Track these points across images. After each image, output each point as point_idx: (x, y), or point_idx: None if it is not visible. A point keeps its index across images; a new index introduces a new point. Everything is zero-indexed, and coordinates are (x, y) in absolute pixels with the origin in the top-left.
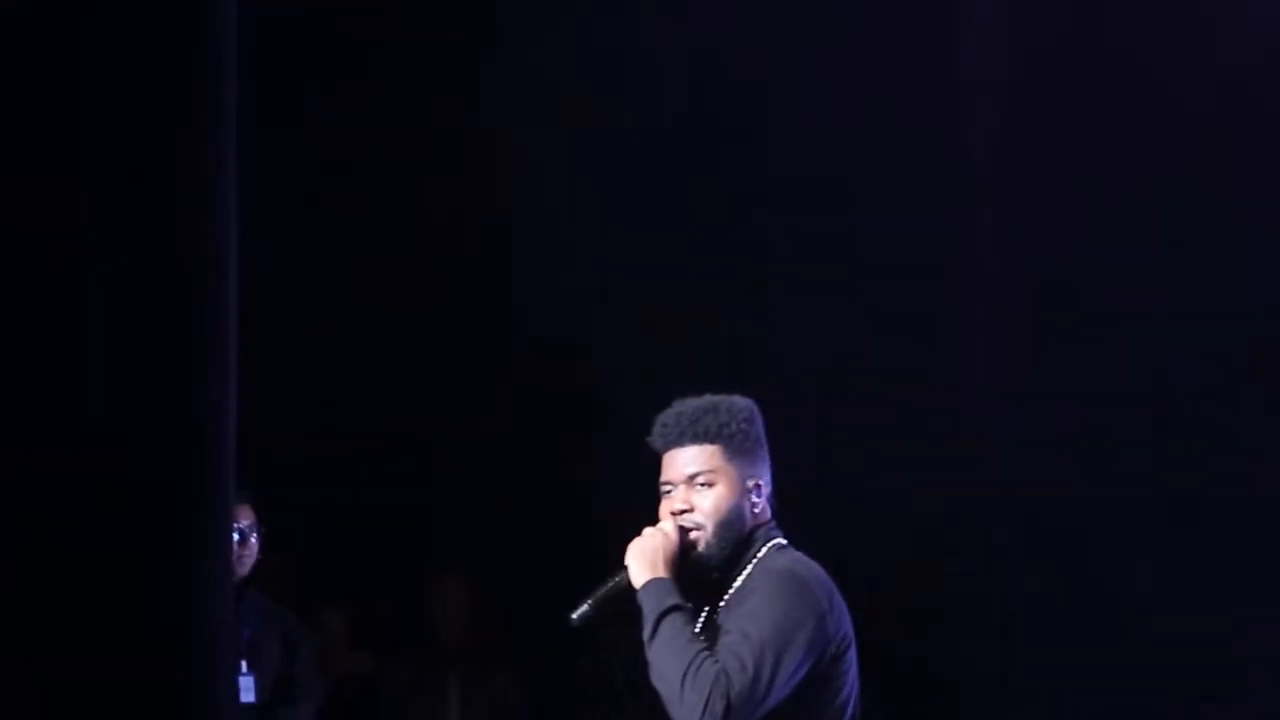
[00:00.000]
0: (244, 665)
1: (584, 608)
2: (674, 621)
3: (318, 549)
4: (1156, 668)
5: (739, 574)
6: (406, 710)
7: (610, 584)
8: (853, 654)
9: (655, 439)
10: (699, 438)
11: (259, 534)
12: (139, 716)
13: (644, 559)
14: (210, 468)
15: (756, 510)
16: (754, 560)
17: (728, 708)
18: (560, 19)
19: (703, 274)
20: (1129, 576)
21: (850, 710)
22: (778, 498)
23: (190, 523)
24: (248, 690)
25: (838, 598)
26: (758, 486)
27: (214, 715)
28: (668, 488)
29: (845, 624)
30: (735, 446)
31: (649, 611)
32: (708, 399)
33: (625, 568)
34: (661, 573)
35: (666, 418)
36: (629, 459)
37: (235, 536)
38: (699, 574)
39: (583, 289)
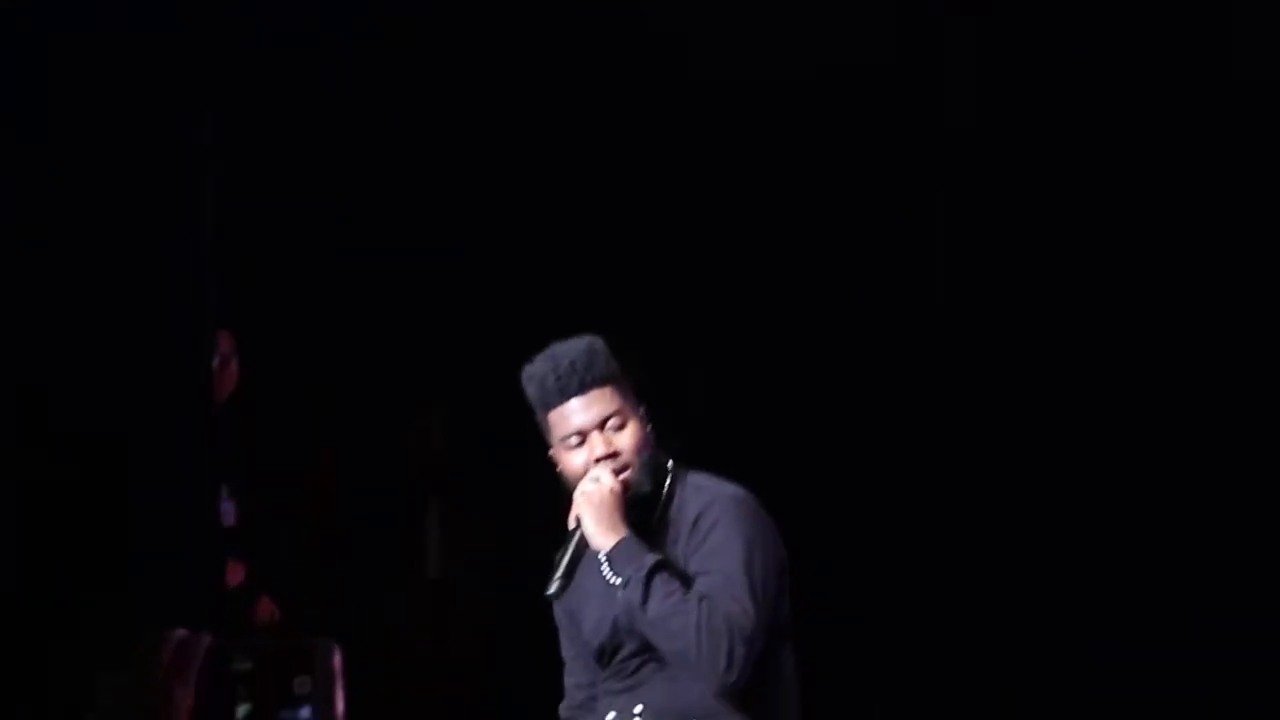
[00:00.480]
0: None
1: (556, 582)
2: (663, 579)
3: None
4: None
5: (663, 503)
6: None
7: (571, 549)
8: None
9: (548, 394)
10: (597, 382)
11: (238, 360)
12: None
13: (601, 518)
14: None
15: (653, 439)
16: (668, 485)
17: (747, 651)
18: None
19: None
20: None
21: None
22: None
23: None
24: (228, 515)
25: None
26: (648, 413)
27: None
28: (576, 439)
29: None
30: (623, 382)
31: (631, 574)
32: (577, 344)
33: (577, 527)
34: (623, 530)
35: (558, 370)
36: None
37: (216, 361)
38: (635, 515)
39: None
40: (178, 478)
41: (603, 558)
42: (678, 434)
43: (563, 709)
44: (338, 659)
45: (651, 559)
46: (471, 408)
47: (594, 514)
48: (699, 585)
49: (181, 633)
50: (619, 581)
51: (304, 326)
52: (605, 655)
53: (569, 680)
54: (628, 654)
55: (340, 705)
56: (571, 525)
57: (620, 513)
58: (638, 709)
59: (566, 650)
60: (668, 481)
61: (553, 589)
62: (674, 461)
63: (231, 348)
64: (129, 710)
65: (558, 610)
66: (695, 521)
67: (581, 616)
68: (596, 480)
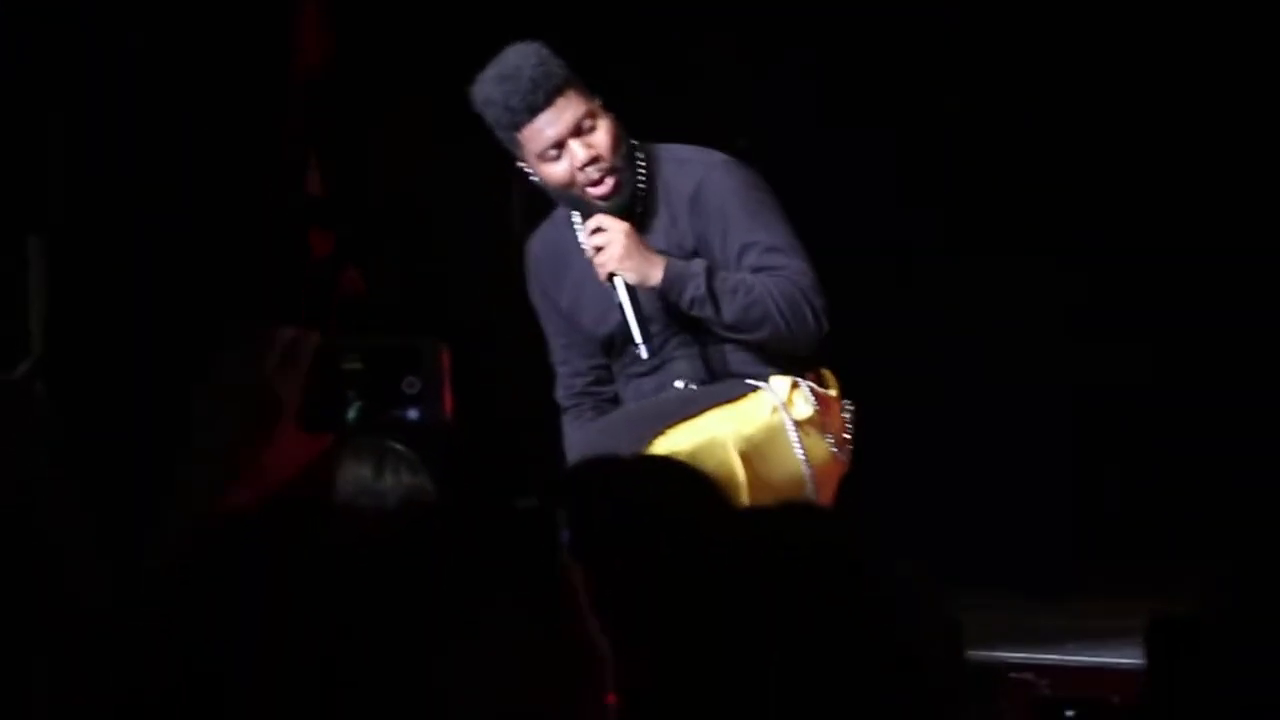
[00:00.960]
0: None
1: (642, 345)
2: (720, 281)
3: None
4: None
5: (648, 187)
6: None
7: (630, 309)
8: None
9: (517, 113)
10: (557, 91)
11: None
12: None
13: (636, 259)
14: None
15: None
16: (643, 164)
17: (823, 301)
18: None
19: None
20: None
21: None
22: None
23: None
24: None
25: None
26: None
27: None
28: (554, 151)
29: None
30: (580, 82)
31: (691, 293)
32: (525, 55)
33: (619, 286)
34: (658, 259)
35: (519, 88)
36: None
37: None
38: (621, 205)
39: None
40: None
41: (663, 289)
42: None
43: (563, 397)
44: (446, 359)
45: (695, 268)
46: None
47: (630, 263)
48: (749, 261)
49: (290, 331)
50: (686, 305)
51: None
52: (616, 343)
53: (564, 369)
54: (648, 335)
55: (448, 405)
56: (611, 284)
57: (642, 243)
58: (678, 383)
59: (557, 340)
60: (640, 160)
61: (643, 350)
62: (638, 142)
63: (322, 16)
64: (235, 406)
65: (542, 304)
66: (694, 197)
67: (578, 309)
68: (600, 231)
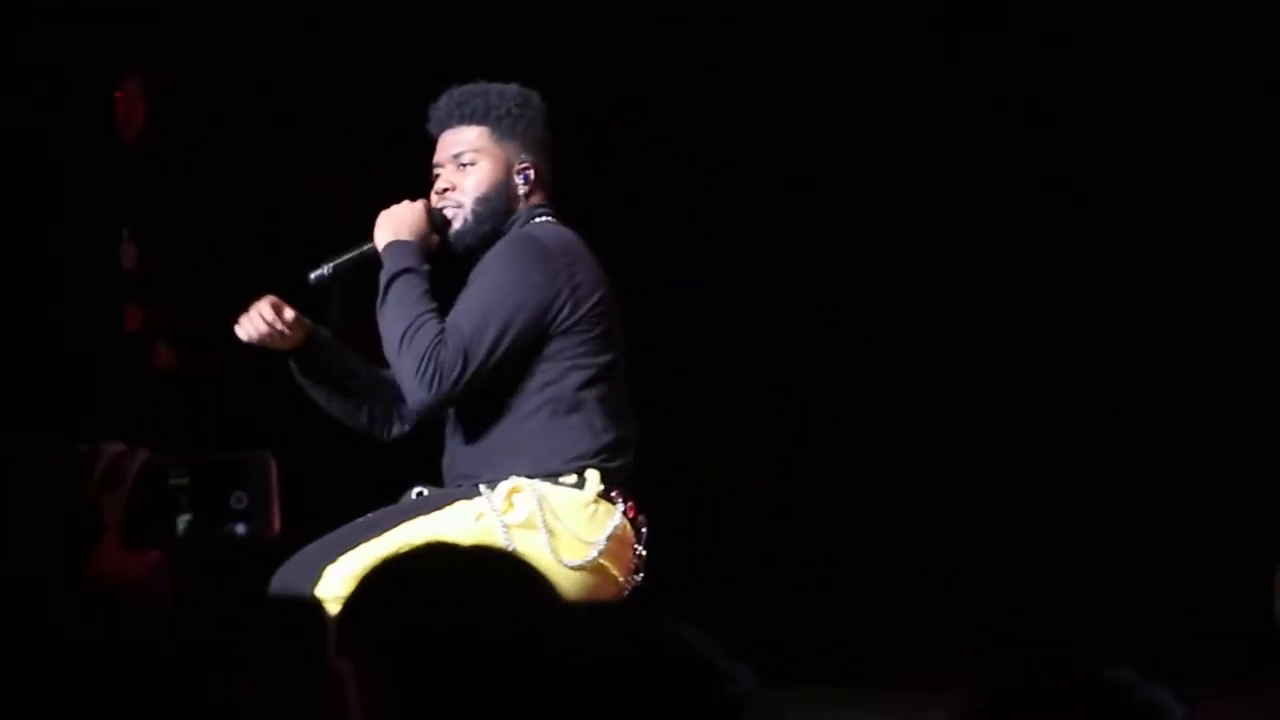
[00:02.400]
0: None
1: (323, 269)
2: (406, 282)
3: None
4: None
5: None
6: None
7: (355, 251)
8: (613, 314)
9: (431, 122)
10: (465, 119)
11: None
12: None
13: (390, 225)
14: None
15: (522, 192)
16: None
17: (439, 373)
18: None
19: None
20: None
21: (615, 368)
22: None
23: None
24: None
25: (591, 261)
26: (528, 169)
27: None
28: (436, 170)
29: (597, 284)
30: (504, 129)
31: (385, 273)
32: (481, 84)
33: (373, 239)
34: (408, 236)
35: (438, 101)
36: None
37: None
38: (456, 252)
39: None
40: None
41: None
42: None
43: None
44: (273, 472)
45: (406, 264)
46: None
47: (386, 222)
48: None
49: (115, 447)
50: (379, 284)
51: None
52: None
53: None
54: (334, 274)
55: (276, 520)
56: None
57: (412, 228)
58: (416, 492)
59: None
60: (507, 230)
61: (313, 275)
62: (539, 218)
63: (139, 90)
64: (56, 523)
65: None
66: (486, 259)
67: None
68: (410, 203)
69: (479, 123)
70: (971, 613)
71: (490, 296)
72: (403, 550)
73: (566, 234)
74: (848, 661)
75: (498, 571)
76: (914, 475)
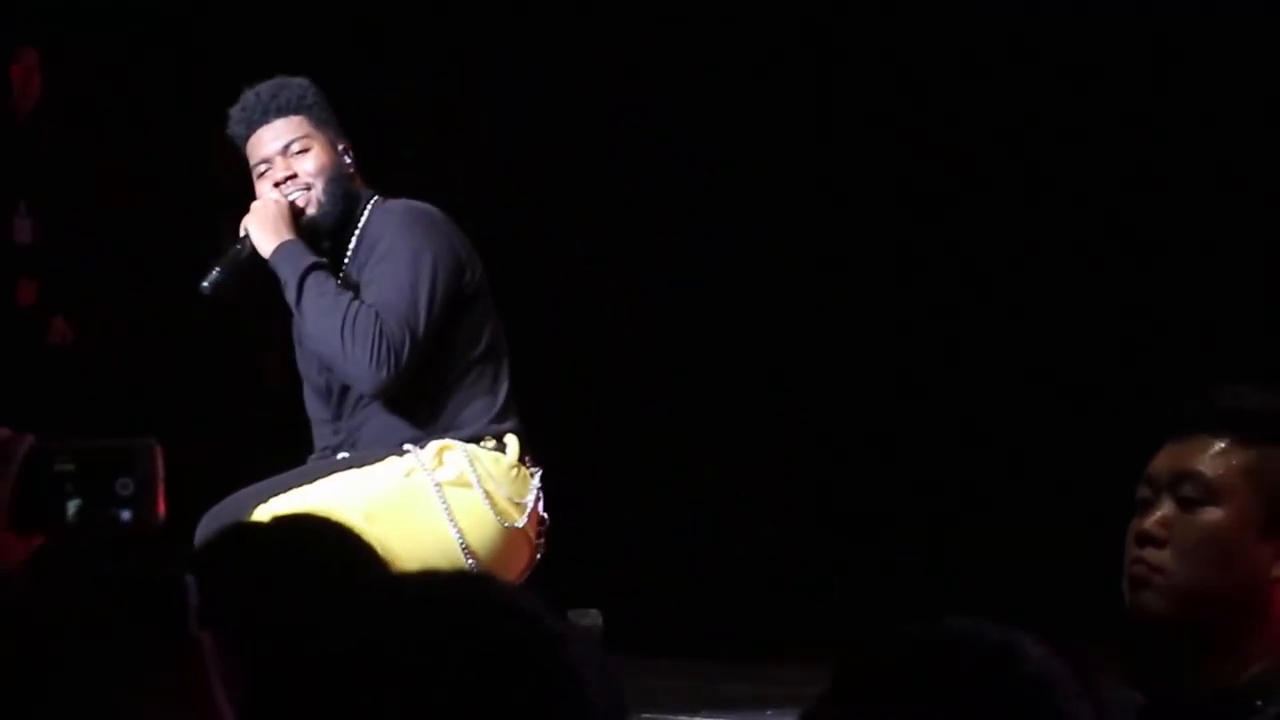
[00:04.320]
0: None
1: (213, 274)
2: (318, 279)
3: None
4: None
5: (354, 228)
6: None
7: (234, 250)
8: (486, 290)
9: (236, 126)
10: (283, 111)
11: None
12: None
13: (266, 226)
14: None
15: (352, 172)
16: (365, 213)
17: (391, 350)
18: None
19: None
20: None
21: (501, 336)
22: None
23: None
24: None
25: (461, 233)
26: (348, 150)
27: None
28: (264, 166)
29: (475, 255)
30: (318, 115)
31: (288, 275)
32: (276, 78)
33: (246, 237)
34: (287, 235)
35: (244, 102)
36: None
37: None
38: (315, 237)
39: None
40: None
41: (271, 264)
42: None
43: (311, 459)
44: (159, 459)
45: (310, 260)
46: None
47: (259, 223)
48: (363, 294)
49: (1, 432)
50: (284, 287)
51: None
52: (331, 396)
53: (314, 433)
54: (221, 280)
55: (160, 507)
56: (241, 234)
57: (287, 223)
58: (341, 455)
59: (307, 399)
60: (365, 209)
61: (206, 283)
62: (378, 197)
63: (35, 63)
64: None
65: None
66: (375, 242)
67: (309, 359)
68: (267, 197)
69: (295, 113)
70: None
71: (408, 268)
72: (272, 519)
73: (431, 208)
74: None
75: (341, 556)
76: (817, 460)
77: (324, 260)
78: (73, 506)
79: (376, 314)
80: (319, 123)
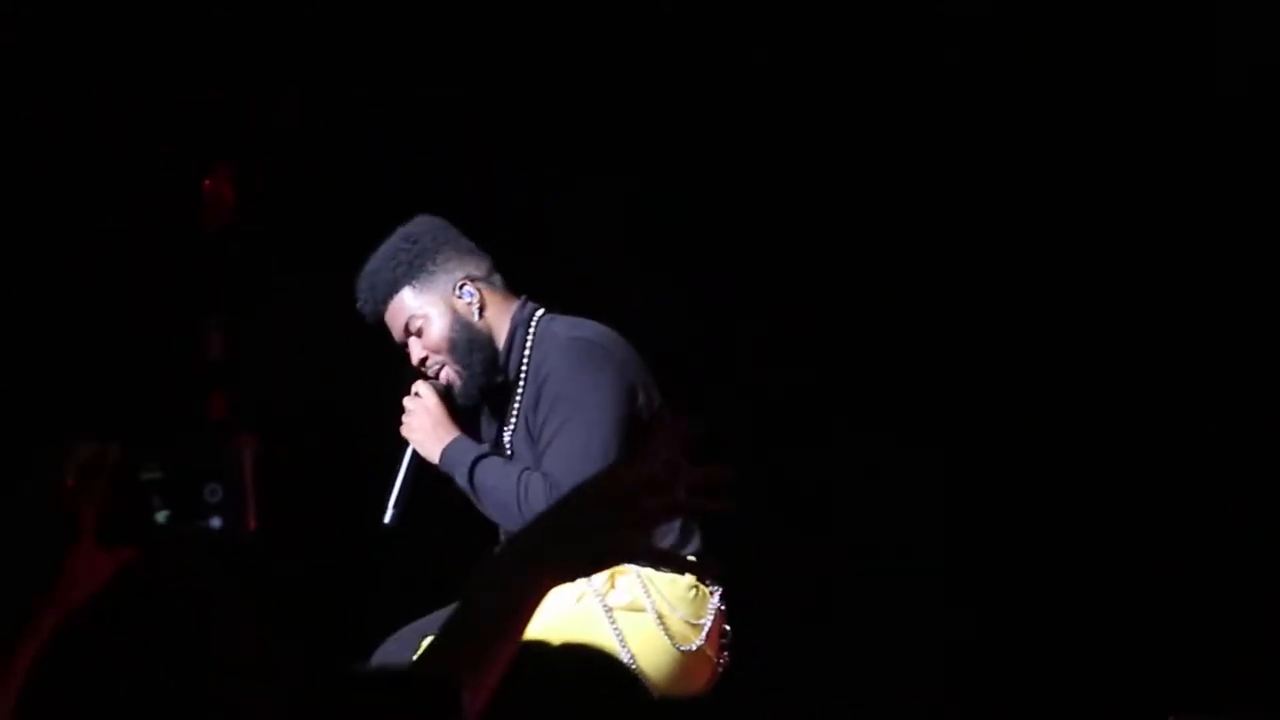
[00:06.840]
0: None
1: (390, 510)
2: (486, 465)
3: None
4: None
5: (521, 361)
6: None
7: (401, 475)
8: (662, 406)
9: (367, 319)
10: (384, 299)
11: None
12: None
13: (425, 433)
14: None
15: (476, 307)
16: (530, 335)
17: None
18: None
19: None
20: None
21: None
22: None
23: None
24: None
25: (633, 352)
26: (466, 283)
27: None
28: (403, 349)
29: (646, 374)
30: (418, 277)
31: (460, 475)
32: (377, 252)
33: (406, 452)
34: (448, 435)
35: (358, 293)
36: None
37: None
38: (476, 400)
39: None
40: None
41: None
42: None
43: None
44: (250, 465)
45: (475, 453)
46: None
47: (419, 437)
48: (538, 443)
49: (87, 448)
50: (461, 484)
51: (304, 162)
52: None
53: None
54: (401, 505)
55: (252, 514)
56: (407, 454)
57: (442, 420)
58: None
59: None
60: (529, 330)
61: (388, 519)
62: (541, 313)
63: (227, 176)
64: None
65: None
66: (544, 378)
67: None
68: (413, 398)
69: (395, 291)
70: None
71: (577, 427)
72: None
73: (601, 327)
74: None
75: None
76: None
77: (486, 449)
78: (163, 515)
79: (549, 485)
80: (423, 287)
